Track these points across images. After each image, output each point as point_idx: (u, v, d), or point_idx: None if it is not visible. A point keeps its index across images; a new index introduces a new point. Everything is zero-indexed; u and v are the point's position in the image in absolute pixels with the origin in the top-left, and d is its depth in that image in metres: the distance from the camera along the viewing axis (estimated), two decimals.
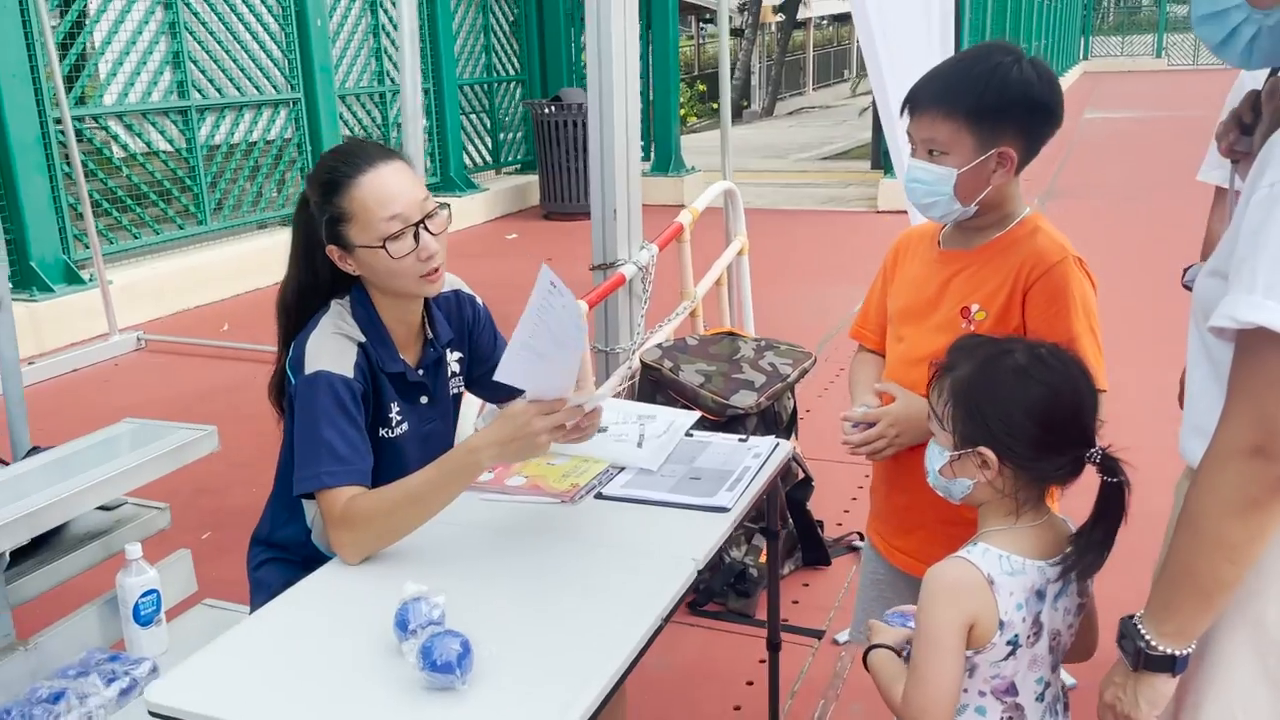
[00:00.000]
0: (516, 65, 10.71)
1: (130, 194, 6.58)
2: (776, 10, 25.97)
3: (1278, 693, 1.16)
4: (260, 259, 7.14)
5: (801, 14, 26.35)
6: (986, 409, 1.33)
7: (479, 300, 1.92)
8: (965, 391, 1.35)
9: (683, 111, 13.29)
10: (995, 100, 1.59)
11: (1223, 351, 1.13)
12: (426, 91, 9.19)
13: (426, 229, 1.65)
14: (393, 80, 8.89)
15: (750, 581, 2.92)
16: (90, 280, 5.92)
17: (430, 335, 1.81)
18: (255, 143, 7.43)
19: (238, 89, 7.24)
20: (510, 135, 10.73)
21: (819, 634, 2.81)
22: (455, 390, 1.89)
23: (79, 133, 5.76)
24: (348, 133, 8.35)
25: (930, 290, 1.78)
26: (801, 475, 3.09)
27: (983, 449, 1.33)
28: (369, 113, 8.72)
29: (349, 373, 1.64)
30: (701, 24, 27.51)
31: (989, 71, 1.61)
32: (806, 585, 3.07)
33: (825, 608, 2.94)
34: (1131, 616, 1.21)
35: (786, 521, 3.05)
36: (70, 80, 5.95)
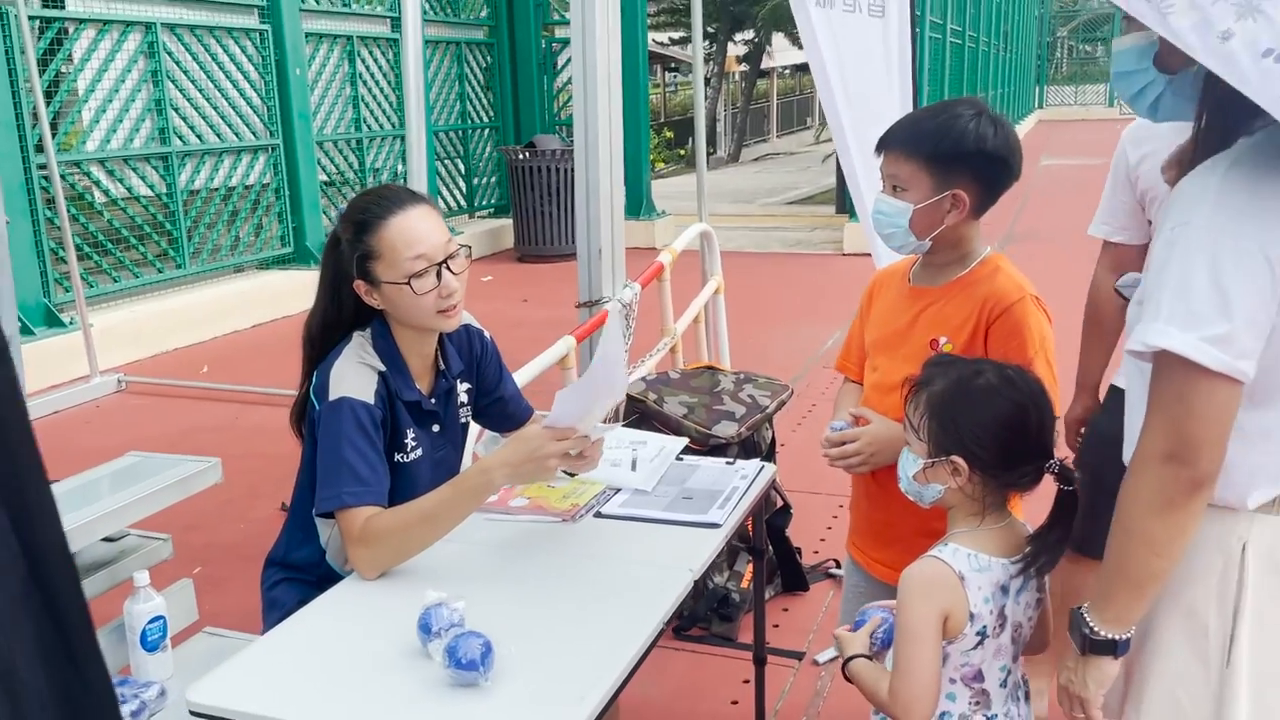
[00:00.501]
0: (490, 112, 10.93)
1: (111, 238, 6.65)
2: (740, 60, 26.54)
3: (1209, 670, 1.29)
4: (238, 302, 7.22)
5: (765, 64, 26.94)
6: (960, 421, 1.48)
7: (487, 335, 2.04)
8: (940, 405, 1.50)
9: (652, 158, 13.57)
10: (951, 148, 1.77)
11: (1149, 370, 1.28)
12: (403, 138, 9.35)
13: (449, 269, 1.77)
14: (369, 127, 9.06)
15: (733, 606, 3.03)
16: (71, 323, 5.97)
17: (443, 366, 1.93)
18: (234, 187, 7.54)
19: (218, 135, 7.36)
20: (484, 180, 10.92)
21: (799, 655, 2.92)
22: (464, 419, 2.00)
23: (61, 177, 5.85)
24: (324, 178, 8.48)
25: (902, 323, 1.94)
26: (781, 503, 3.22)
27: (955, 457, 1.48)
28: (346, 158, 8.86)
29: (370, 399, 1.75)
30: (667, 72, 28.04)
31: (950, 121, 1.78)
32: (786, 610, 3.19)
33: (805, 630, 3.06)
34: (1079, 607, 1.35)
35: (766, 548, 3.16)
36: (53, 126, 6.04)
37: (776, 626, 3.08)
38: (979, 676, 1.50)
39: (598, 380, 1.66)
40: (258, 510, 4.06)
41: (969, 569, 1.46)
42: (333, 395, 1.74)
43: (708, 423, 2.96)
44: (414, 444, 1.85)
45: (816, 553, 3.50)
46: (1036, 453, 1.49)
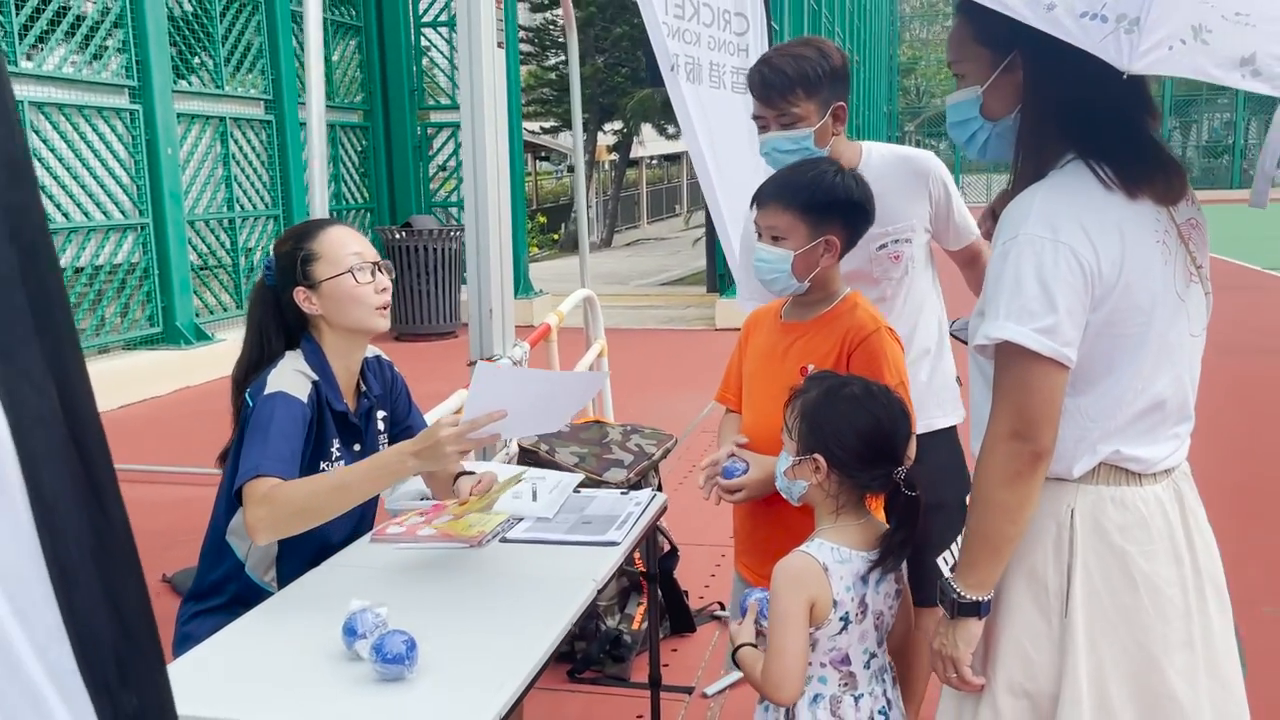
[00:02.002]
0: (365, 194, 11.01)
1: None
2: (611, 149, 27.38)
3: (1051, 623, 1.50)
4: (104, 383, 6.99)
5: (635, 153, 27.86)
6: (824, 425, 1.68)
7: (396, 368, 2.18)
8: (810, 410, 1.70)
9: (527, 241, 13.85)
10: (823, 198, 2.01)
11: (990, 367, 1.51)
12: (276, 218, 9.34)
13: (381, 270, 1.98)
14: (242, 207, 9.01)
15: (625, 647, 3.15)
16: None
17: (364, 387, 2.07)
18: (101, 267, 7.37)
19: (85, 214, 7.22)
20: None
21: (689, 690, 3.05)
22: (382, 447, 2.11)
23: None
24: (196, 258, 8.37)
25: (776, 356, 2.15)
26: (668, 547, 3.37)
27: (817, 456, 1.67)
28: (217, 238, 8.77)
29: (304, 399, 1.88)
30: (538, 160, 28.66)
31: (818, 176, 2.03)
32: (675, 650, 3.32)
33: (693, 667, 3.20)
34: (947, 578, 1.55)
35: (657, 573, 3.30)
36: None
37: (667, 665, 3.20)
38: (846, 660, 1.68)
39: (540, 382, 1.81)
40: None
41: (832, 560, 1.65)
42: (269, 391, 1.86)
43: (598, 470, 3.11)
44: (338, 454, 1.97)
45: (702, 597, 3.66)
46: (887, 459, 1.70)
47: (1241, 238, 14.95)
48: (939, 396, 2.48)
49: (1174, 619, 1.47)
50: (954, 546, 2.48)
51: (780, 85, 2.30)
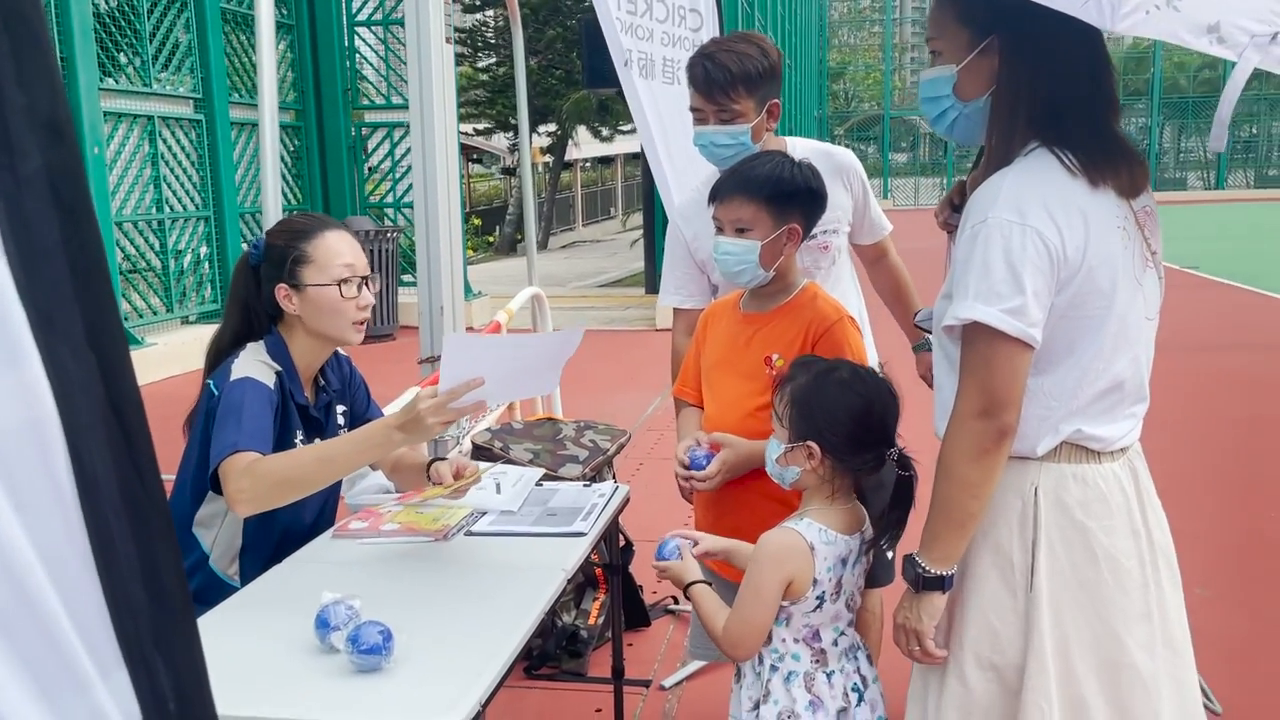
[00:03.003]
0: (298, 195, 10.82)
1: None
2: (545, 151, 27.30)
3: (1014, 596, 1.55)
4: None
5: (570, 155, 27.82)
6: (815, 410, 1.70)
7: (354, 364, 2.16)
8: (800, 396, 1.72)
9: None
10: (785, 188, 2.04)
11: (954, 349, 1.55)
12: (207, 219, 9.14)
13: (367, 286, 1.96)
14: (171, 208, 8.80)
15: (581, 642, 3.15)
16: None
17: (323, 382, 2.06)
18: None
19: None
20: None
21: (647, 683, 3.07)
22: None
23: None
24: (124, 260, 8.15)
25: (738, 346, 2.18)
26: (623, 541, 3.38)
27: (810, 442, 1.69)
28: (146, 239, 8.55)
29: (270, 385, 1.87)
30: (471, 163, 28.45)
31: (776, 167, 2.06)
32: (631, 645, 3.33)
33: (650, 661, 3.21)
34: (911, 553, 1.59)
35: (619, 563, 3.31)
36: None
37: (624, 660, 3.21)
38: (816, 636, 1.71)
39: (511, 346, 1.79)
40: None
41: (819, 541, 1.68)
42: (235, 377, 1.85)
43: (553, 466, 3.11)
44: (300, 446, 1.95)
45: (655, 592, 3.67)
46: (879, 440, 1.72)
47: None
48: None
49: (1132, 591, 1.53)
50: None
51: (723, 81, 2.34)
